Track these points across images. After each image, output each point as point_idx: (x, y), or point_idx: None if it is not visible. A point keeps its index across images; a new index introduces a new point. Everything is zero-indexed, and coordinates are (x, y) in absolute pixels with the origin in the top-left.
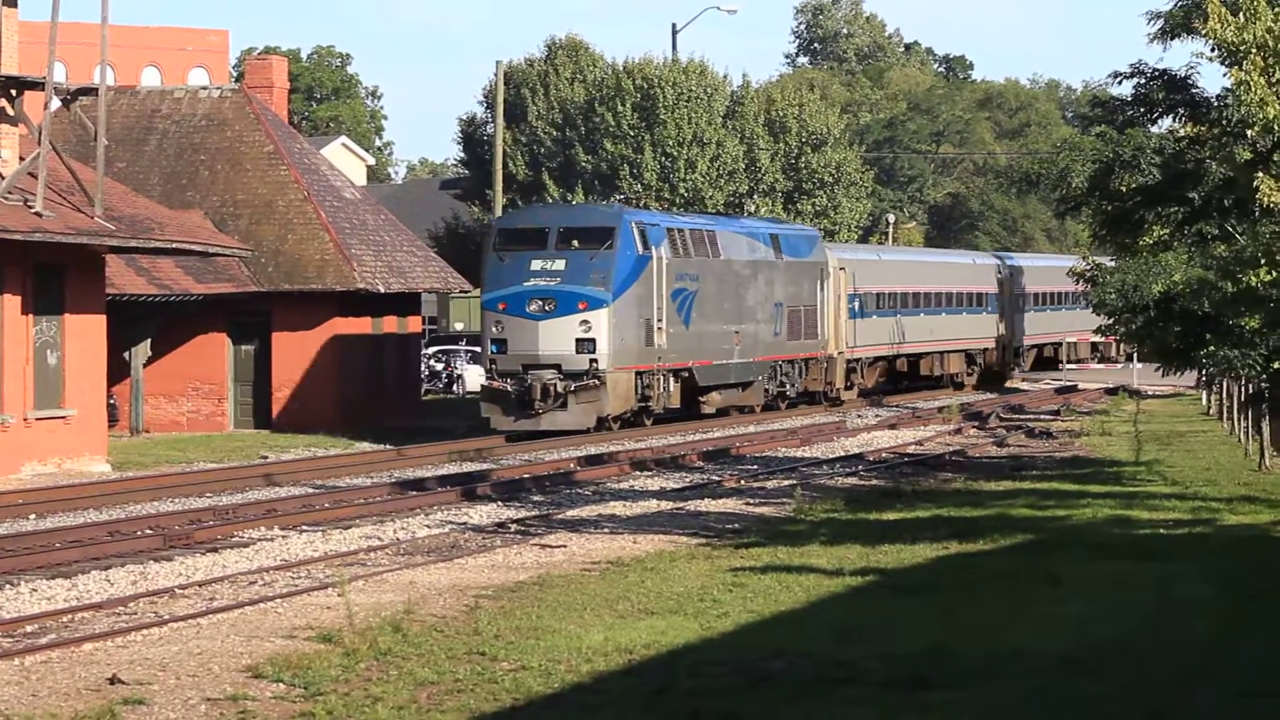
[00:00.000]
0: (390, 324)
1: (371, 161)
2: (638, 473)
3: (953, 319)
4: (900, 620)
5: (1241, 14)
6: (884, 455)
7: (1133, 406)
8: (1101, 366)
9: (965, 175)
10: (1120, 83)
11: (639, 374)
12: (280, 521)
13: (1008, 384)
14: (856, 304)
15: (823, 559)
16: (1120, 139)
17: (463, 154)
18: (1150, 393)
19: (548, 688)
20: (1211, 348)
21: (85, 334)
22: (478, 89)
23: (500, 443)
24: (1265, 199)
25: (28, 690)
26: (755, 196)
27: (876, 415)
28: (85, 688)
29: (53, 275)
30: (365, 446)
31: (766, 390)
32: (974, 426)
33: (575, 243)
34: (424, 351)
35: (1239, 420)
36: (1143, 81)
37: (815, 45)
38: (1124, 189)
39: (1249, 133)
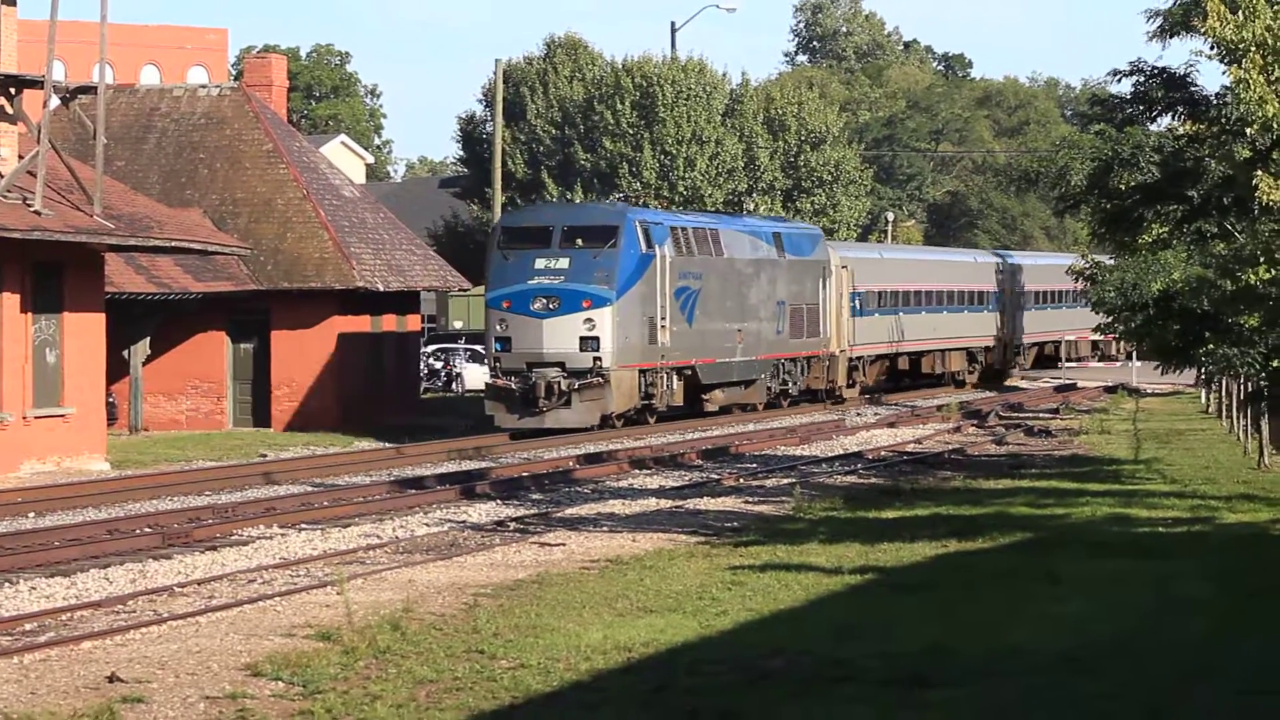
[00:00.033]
0: (389, 322)
1: (370, 160)
2: (637, 471)
3: (954, 317)
4: (899, 618)
5: (1240, 12)
6: (883, 453)
7: (1132, 405)
8: (1101, 365)
9: (964, 173)
10: (1119, 81)
11: (642, 372)
12: (279, 520)
13: (1007, 382)
14: (858, 302)
15: (822, 557)
16: (1119, 137)
17: (462, 152)
18: (1149, 391)
19: (546, 686)
20: (1210, 346)
21: (84, 332)
22: (477, 87)
23: (499, 441)
24: (1264, 197)
25: (27, 688)
26: (754, 195)
27: (875, 413)
28: (84, 686)
29: (52, 273)
30: (364, 445)
31: (769, 388)
32: (973, 425)
33: (579, 241)
34: (423, 350)
35: (1238, 418)
36: (1142, 80)
37: (814, 43)
38: (1123, 187)
39: (1248, 131)
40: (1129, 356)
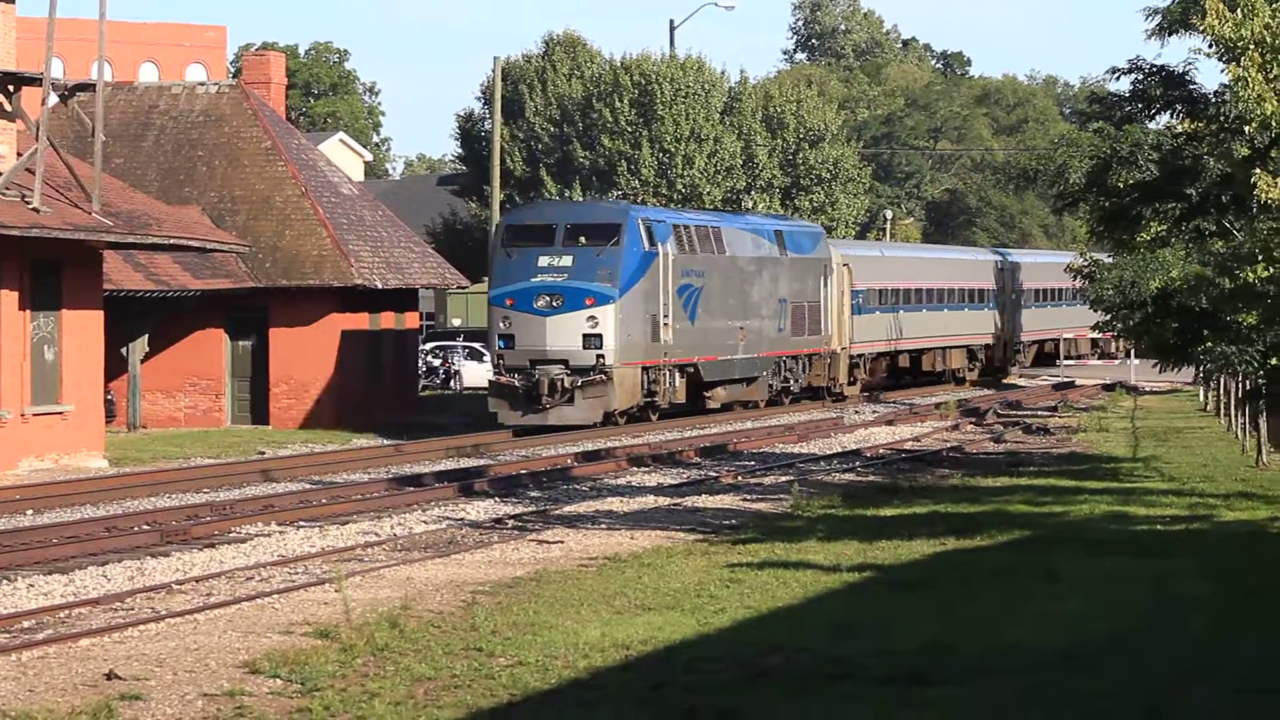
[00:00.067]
0: (388, 320)
1: (369, 157)
2: (635, 469)
3: (955, 315)
4: (897, 616)
5: (1239, 10)
6: (881, 451)
7: (1130, 403)
8: (1100, 363)
9: (963, 171)
10: (1118, 79)
11: (645, 369)
12: (277, 517)
13: (1005, 380)
14: (859, 300)
15: (820, 555)
16: (1118, 135)
17: (460, 150)
18: (1147, 389)
19: (544, 684)
20: (1209, 344)
21: (83, 329)
22: (475, 85)
23: (497, 438)
24: (1263, 195)
25: (25, 686)
26: (753, 193)
27: (874, 411)
28: (82, 683)
29: (50, 271)
30: (362, 442)
31: (771, 386)
32: (971, 423)
33: (582, 239)
34: (421, 347)
35: (1236, 416)
36: (1140, 78)
37: (813, 41)
38: (1121, 185)
39: (1246, 129)
40: (1128, 354)
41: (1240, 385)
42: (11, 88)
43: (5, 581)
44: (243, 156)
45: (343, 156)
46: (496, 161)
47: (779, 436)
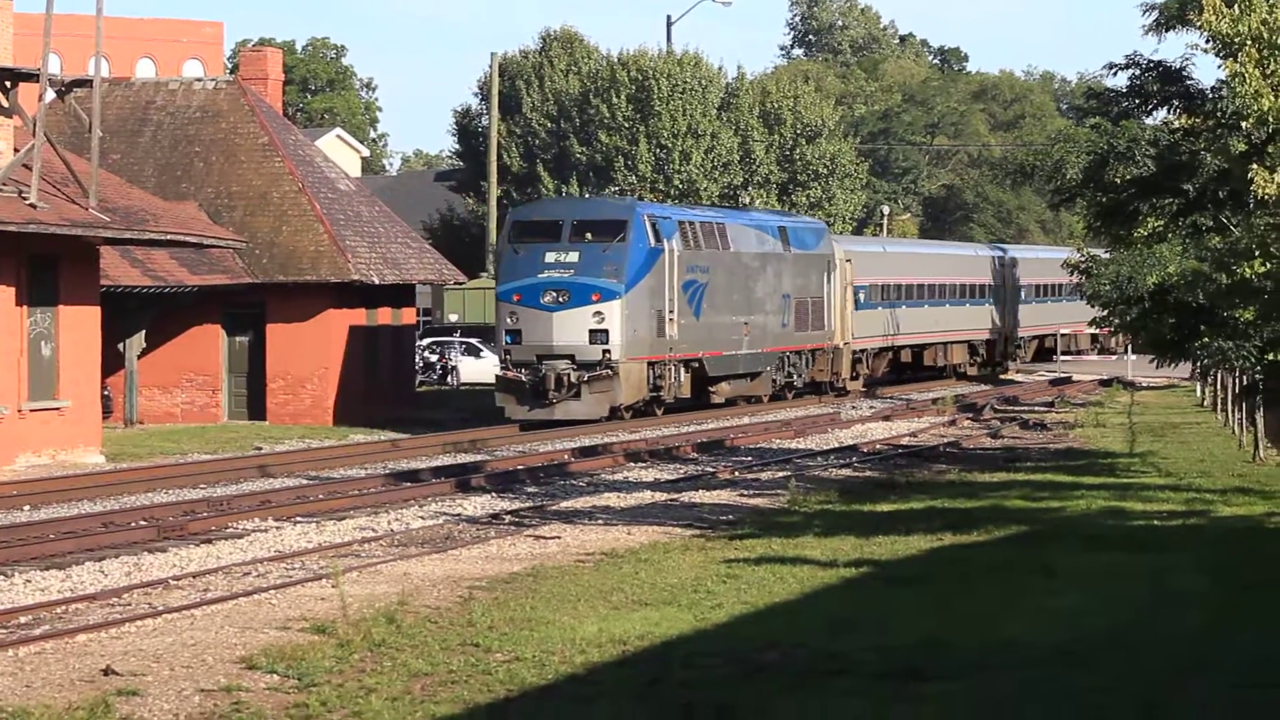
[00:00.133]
0: (385, 315)
1: (366, 153)
2: (632, 464)
3: (956, 310)
4: (894, 612)
5: (1236, 6)
6: (878, 447)
7: (1127, 398)
8: (1098, 358)
9: (960, 167)
10: (1115, 74)
11: (651, 364)
12: (274, 513)
13: (1003, 376)
14: (862, 295)
15: (817, 550)
16: (1115, 131)
17: (457, 146)
18: (1144, 384)
19: (541, 679)
20: (1206, 339)
21: (79, 325)
22: (472, 81)
23: (494, 434)
24: (1259, 191)
25: (22, 681)
26: (750, 188)
27: (871, 407)
28: (79, 679)
29: (47, 267)
30: (359, 438)
31: (774, 380)
32: (968, 418)
33: (589, 235)
34: (418, 343)
35: (1233, 412)
36: (1138, 73)
37: (810, 37)
38: (1118, 181)
39: (1243, 124)
40: (1127, 349)
41: (1237, 381)
42: (9, 83)
43: (2, 577)
44: (240, 152)
45: (340, 152)
46: (494, 157)
47: (776, 432)
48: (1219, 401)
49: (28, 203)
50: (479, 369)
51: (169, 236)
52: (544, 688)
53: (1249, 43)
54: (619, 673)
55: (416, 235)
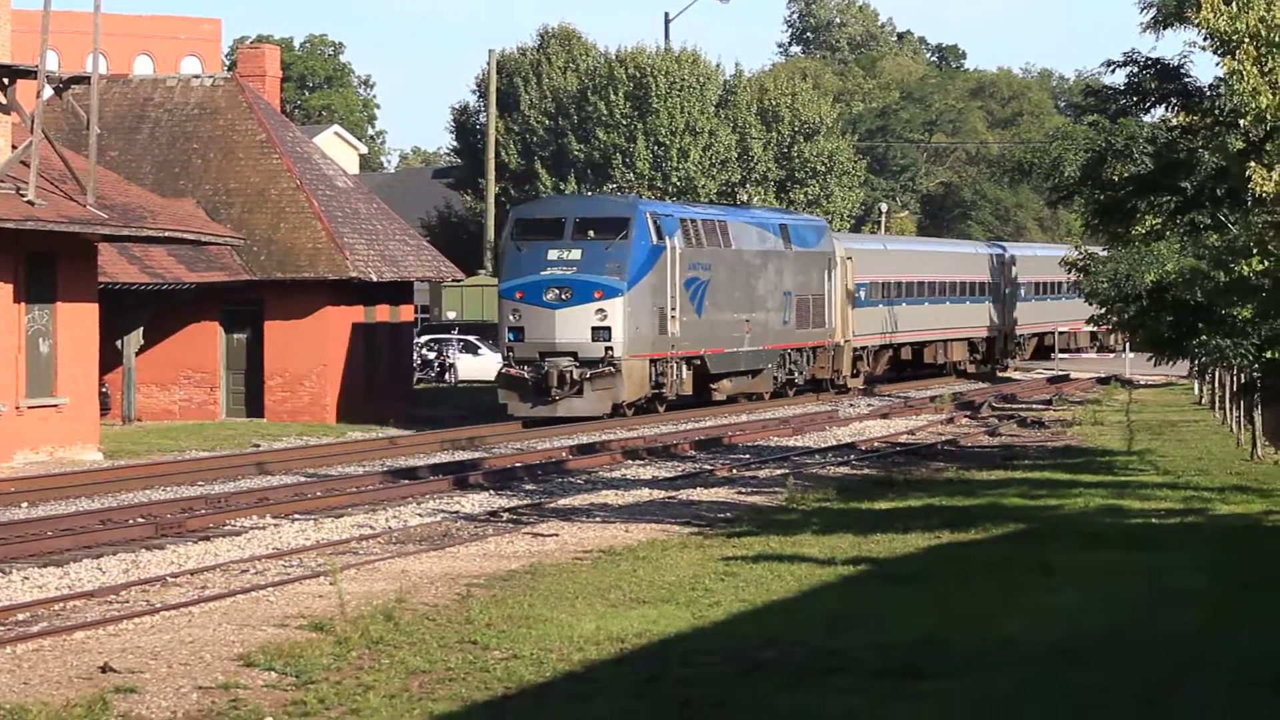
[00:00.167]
0: (382, 313)
1: (364, 150)
2: (630, 461)
3: (956, 308)
4: (892, 609)
5: (1234, 3)
6: (876, 444)
7: (1125, 396)
8: (1096, 356)
9: (958, 164)
10: (1113, 72)
11: (653, 361)
12: (272, 510)
13: (1001, 373)
14: (863, 293)
15: (815, 548)
16: (1113, 128)
17: (455, 143)
18: (1142, 382)
19: (539, 676)
20: (1204, 337)
21: (77, 322)
22: (470, 78)
23: (492, 431)
24: (1257, 188)
25: (19, 678)
26: (748, 186)
27: (869, 405)
28: (77, 676)
29: (45, 263)
30: (357, 435)
31: (775, 378)
32: (966, 416)
33: (591, 233)
34: (416, 340)
35: (1231, 410)
36: (1135, 71)
37: (808, 34)
38: (1116, 178)
39: (1241, 122)
40: (1126, 347)
41: (1235, 379)
42: (6, 80)
43: (0, 574)
44: (238, 149)
45: (338, 149)
46: (491, 155)
47: (774, 429)
48: (1217, 399)
49: (25, 199)
50: (477, 366)
51: (167, 233)
52: (542, 685)
53: (1247, 40)
54: (617, 670)
55: (414, 232)
